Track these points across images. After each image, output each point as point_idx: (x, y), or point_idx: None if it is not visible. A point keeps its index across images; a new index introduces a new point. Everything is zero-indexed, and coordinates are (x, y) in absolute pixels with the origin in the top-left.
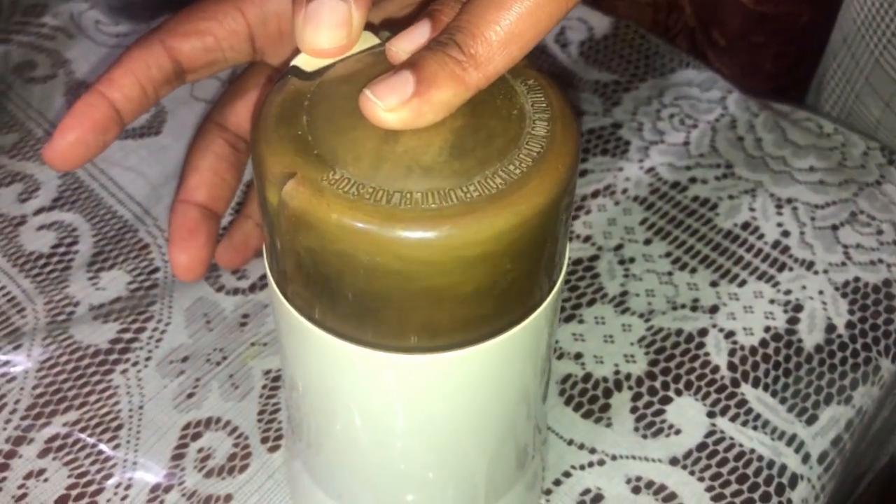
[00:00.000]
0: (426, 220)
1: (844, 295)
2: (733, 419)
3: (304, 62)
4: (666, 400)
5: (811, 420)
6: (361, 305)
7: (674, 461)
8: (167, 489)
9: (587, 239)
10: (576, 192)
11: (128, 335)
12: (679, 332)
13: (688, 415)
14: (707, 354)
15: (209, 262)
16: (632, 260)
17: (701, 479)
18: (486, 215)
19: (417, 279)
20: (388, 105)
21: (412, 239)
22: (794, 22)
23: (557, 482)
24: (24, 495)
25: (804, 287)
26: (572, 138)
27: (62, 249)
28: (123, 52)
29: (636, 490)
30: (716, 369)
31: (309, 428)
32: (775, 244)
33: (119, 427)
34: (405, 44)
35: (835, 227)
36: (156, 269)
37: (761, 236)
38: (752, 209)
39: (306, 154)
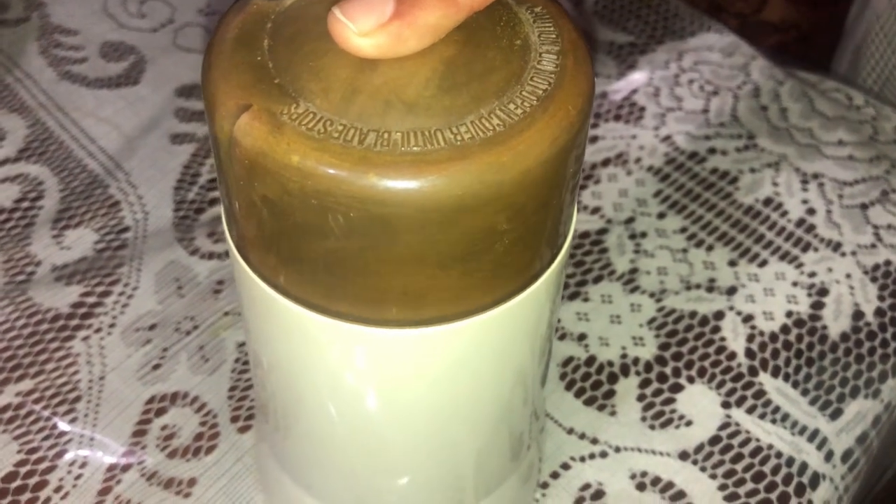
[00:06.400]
0: (406, 165)
1: (874, 279)
2: (750, 411)
3: None
4: (676, 388)
5: (835, 414)
6: (333, 270)
7: (683, 455)
8: (125, 468)
9: (595, 210)
10: (585, 159)
11: (91, 299)
12: (693, 314)
13: (700, 405)
14: (723, 339)
15: None
16: (643, 235)
17: (713, 477)
18: (480, 162)
19: (396, 238)
20: (362, 28)
21: (389, 188)
22: None
23: (555, 475)
24: None
25: (830, 269)
26: (585, 76)
27: (26, 204)
28: None
29: (641, 486)
30: (732, 356)
31: (276, 410)
32: (800, 222)
33: (77, 399)
34: None
35: (864, 206)
36: (126, 229)
37: (784, 213)
38: (775, 184)
39: (265, 83)
